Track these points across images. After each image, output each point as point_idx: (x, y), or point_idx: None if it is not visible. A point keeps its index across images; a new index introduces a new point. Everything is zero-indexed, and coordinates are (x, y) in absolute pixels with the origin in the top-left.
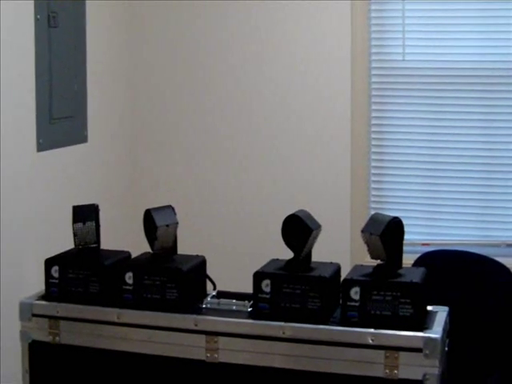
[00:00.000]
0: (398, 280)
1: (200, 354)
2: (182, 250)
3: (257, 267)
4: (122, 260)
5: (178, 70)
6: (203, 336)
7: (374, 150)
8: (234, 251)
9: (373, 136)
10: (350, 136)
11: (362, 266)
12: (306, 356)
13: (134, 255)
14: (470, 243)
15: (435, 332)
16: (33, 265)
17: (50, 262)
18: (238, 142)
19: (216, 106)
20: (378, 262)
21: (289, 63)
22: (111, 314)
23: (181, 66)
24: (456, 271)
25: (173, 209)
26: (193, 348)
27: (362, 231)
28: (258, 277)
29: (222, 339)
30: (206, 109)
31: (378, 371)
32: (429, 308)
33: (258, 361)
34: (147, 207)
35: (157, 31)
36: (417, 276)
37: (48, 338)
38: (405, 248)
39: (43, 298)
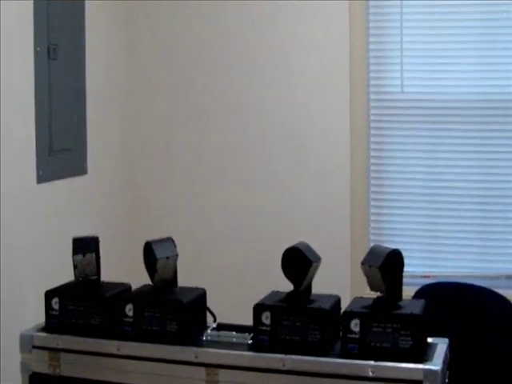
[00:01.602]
0: (397, 312)
1: None
2: (182, 282)
3: (257, 299)
4: (123, 292)
5: (178, 103)
6: (203, 368)
7: (373, 182)
8: (234, 283)
9: (372, 168)
10: (350, 168)
11: (361, 298)
12: None
13: (134, 287)
14: (470, 275)
15: (435, 364)
16: (33, 296)
17: (50, 294)
18: (239, 175)
19: (215, 136)
20: (378, 294)
21: (287, 100)
22: (111, 346)
23: (181, 98)
24: (456, 303)
25: (173, 241)
26: (193, 380)
27: (362, 263)
28: (258, 309)
29: (222, 371)
30: (205, 140)
31: None
32: (429, 340)
33: None
34: (147, 239)
35: (156, 65)
36: (417, 308)
37: (48, 370)
38: (405, 280)
39: (43, 329)
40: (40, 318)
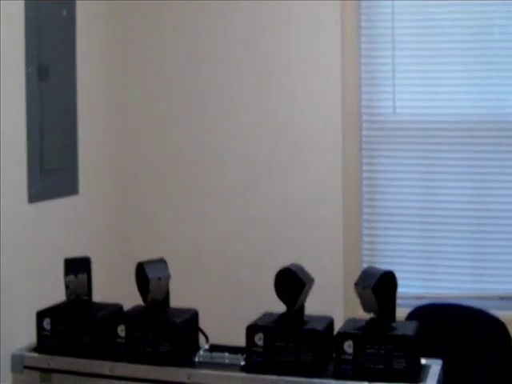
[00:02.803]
0: (391, 333)
1: None
2: (174, 302)
3: (249, 320)
4: (114, 312)
5: (172, 122)
6: None
7: (365, 203)
8: (227, 304)
9: (364, 189)
10: (342, 190)
11: (355, 319)
12: None
13: (126, 308)
14: (463, 296)
15: None
16: (24, 316)
17: (41, 315)
18: (232, 196)
19: (207, 159)
20: (371, 315)
21: (278, 119)
22: (103, 366)
23: (174, 118)
24: (450, 324)
25: (165, 262)
26: None
27: (355, 285)
28: (251, 330)
29: None
30: (198, 162)
31: None
32: (422, 361)
33: None
34: (139, 260)
35: (149, 82)
36: (410, 329)
37: None
38: (398, 301)
39: (35, 350)
40: (31, 339)
